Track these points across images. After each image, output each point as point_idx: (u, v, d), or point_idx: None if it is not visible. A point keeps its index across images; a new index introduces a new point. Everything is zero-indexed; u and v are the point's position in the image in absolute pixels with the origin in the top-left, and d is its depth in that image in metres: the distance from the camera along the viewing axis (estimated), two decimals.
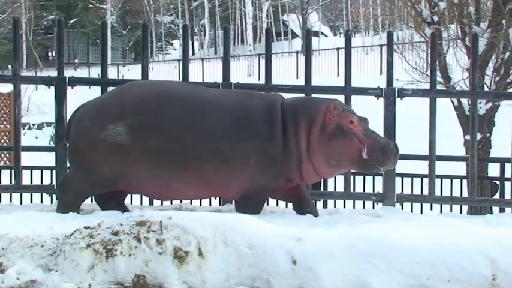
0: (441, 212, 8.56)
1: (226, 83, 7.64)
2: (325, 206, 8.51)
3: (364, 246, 4.63)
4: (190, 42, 54.20)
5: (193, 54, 55.28)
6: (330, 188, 7.31)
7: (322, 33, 56.31)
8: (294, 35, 55.71)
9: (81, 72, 41.53)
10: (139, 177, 6.60)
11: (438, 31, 12.60)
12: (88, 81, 9.93)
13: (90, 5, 51.78)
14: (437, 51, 8.89)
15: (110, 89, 7.48)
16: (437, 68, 11.33)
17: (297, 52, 35.70)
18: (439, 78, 12.11)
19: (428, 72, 8.51)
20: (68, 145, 7.06)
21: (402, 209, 8.12)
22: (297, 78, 30.26)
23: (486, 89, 12.17)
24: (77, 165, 6.83)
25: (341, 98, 7.72)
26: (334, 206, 8.06)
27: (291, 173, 6.75)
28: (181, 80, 8.33)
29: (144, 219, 4.89)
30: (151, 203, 7.68)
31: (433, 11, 13.21)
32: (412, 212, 8.32)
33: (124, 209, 6.78)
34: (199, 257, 4.66)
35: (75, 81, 7.85)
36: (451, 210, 8.79)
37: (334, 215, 6.89)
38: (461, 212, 9.07)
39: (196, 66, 36.86)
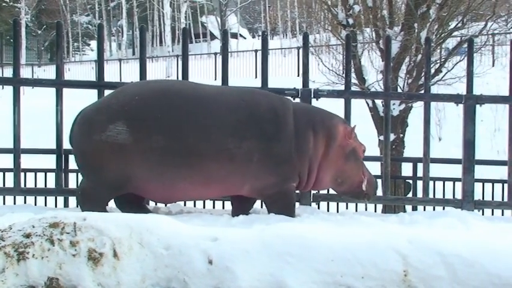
0: (356, 210, 8.72)
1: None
2: None
3: (280, 245, 4.66)
4: (107, 43, 53.96)
5: (110, 55, 54.61)
6: None
7: (240, 35, 56.62)
8: (213, 37, 55.70)
9: None
10: (142, 177, 6.36)
11: (353, 34, 12.83)
12: None
13: (4, 3, 50.54)
14: (352, 53, 9.04)
15: (23, 88, 7.29)
16: (352, 69, 11.55)
17: (215, 53, 35.79)
18: (354, 80, 12.35)
19: (344, 74, 8.61)
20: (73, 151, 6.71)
21: (319, 208, 8.21)
22: (215, 79, 30.32)
23: (399, 90, 12.45)
24: (86, 171, 6.54)
25: None
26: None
27: (302, 176, 6.81)
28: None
29: (57, 220, 4.79)
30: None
31: (349, 14, 13.44)
32: (328, 211, 8.43)
33: (146, 211, 6.59)
34: (114, 259, 4.60)
35: None
36: (366, 209, 8.96)
37: (251, 215, 6.90)
38: (375, 211, 9.23)
39: (114, 67, 36.53)
